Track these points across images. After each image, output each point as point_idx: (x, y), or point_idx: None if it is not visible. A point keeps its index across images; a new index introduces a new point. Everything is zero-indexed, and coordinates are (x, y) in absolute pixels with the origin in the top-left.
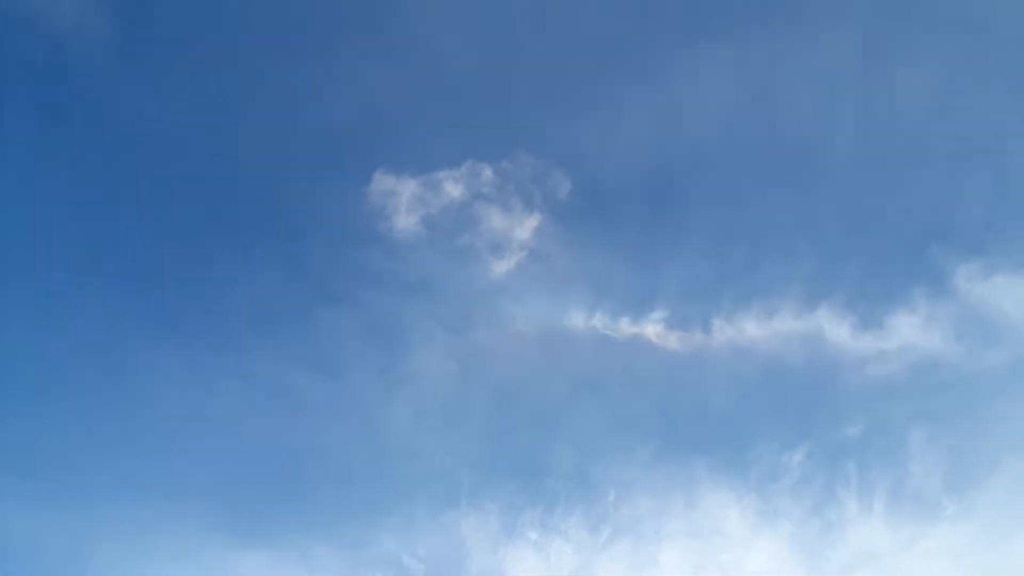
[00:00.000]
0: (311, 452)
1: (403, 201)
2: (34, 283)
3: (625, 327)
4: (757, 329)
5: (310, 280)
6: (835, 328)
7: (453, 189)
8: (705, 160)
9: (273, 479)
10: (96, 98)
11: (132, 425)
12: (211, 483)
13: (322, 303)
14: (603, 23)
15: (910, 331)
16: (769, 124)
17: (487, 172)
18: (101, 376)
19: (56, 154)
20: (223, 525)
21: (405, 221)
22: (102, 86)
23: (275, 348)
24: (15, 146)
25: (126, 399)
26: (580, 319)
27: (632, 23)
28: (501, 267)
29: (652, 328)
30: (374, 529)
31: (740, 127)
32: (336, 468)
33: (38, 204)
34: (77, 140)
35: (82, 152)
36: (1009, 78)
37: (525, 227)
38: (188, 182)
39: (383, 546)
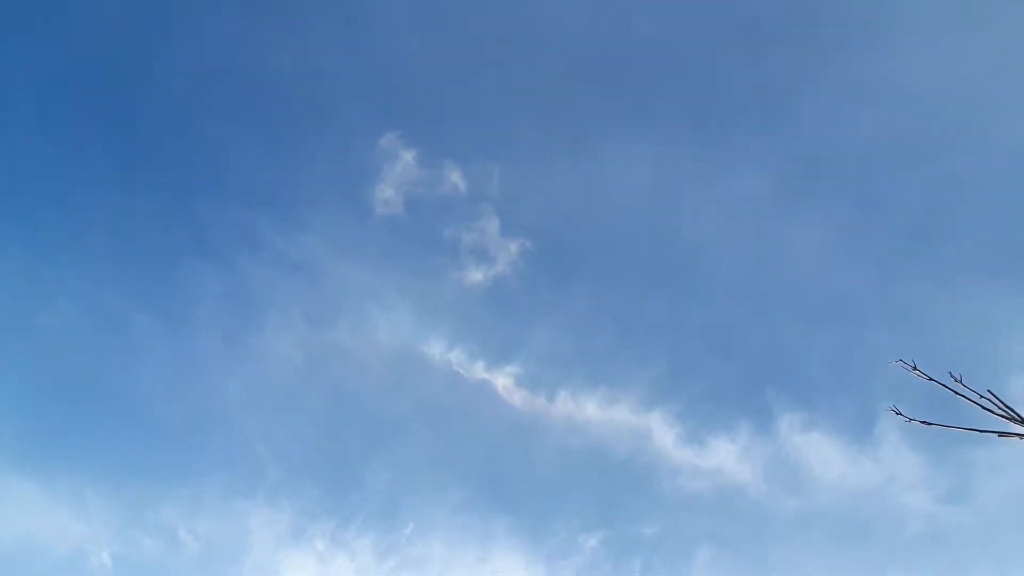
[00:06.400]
0: (122, 397)
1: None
2: None
3: (478, 371)
4: (595, 412)
5: (194, 228)
6: (663, 434)
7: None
8: (602, 241)
9: (71, 413)
10: None
11: None
12: (3, 396)
13: (195, 255)
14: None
15: (726, 457)
16: (668, 229)
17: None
18: None
19: None
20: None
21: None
22: None
23: (126, 282)
24: None
25: None
26: (438, 349)
27: (577, 100)
28: (370, 272)
29: (502, 380)
30: (157, 494)
31: (642, 221)
32: (143, 420)
33: None
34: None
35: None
36: (888, 253)
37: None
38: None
39: (161, 514)
